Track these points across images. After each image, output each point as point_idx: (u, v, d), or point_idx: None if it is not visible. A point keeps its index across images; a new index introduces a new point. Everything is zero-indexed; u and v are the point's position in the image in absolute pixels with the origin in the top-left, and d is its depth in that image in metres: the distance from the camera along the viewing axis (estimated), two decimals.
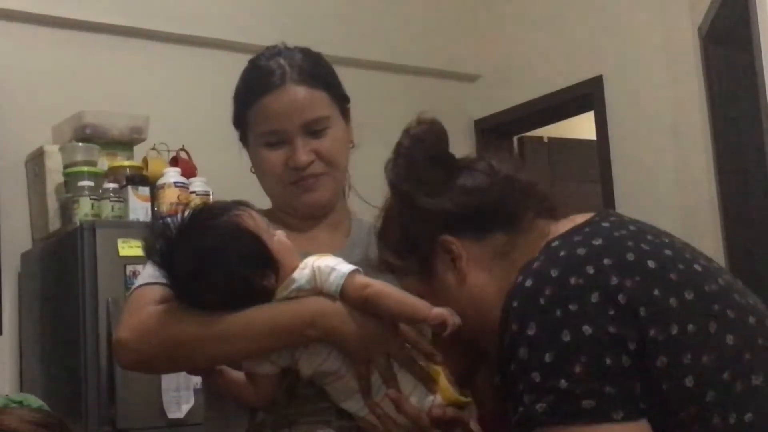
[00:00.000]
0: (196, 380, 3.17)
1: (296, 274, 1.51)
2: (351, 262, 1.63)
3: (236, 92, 1.78)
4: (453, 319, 1.46)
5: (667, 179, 4.19)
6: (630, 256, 1.23)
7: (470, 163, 1.46)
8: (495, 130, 4.89)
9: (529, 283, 1.22)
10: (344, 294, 1.49)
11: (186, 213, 1.54)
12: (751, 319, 1.24)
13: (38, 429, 1.49)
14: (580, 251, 1.23)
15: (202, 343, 1.52)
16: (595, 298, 1.18)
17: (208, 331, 1.50)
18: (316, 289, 1.50)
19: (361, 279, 1.50)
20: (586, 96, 4.56)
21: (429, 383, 1.49)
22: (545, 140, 5.35)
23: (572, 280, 1.20)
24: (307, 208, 1.74)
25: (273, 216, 1.76)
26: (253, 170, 1.79)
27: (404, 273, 1.47)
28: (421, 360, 1.51)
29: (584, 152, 5.07)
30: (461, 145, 5.40)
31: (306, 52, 1.78)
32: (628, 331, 1.17)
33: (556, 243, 1.29)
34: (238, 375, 1.56)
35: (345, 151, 1.77)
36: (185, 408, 3.21)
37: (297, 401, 1.56)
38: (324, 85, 1.73)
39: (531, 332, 1.18)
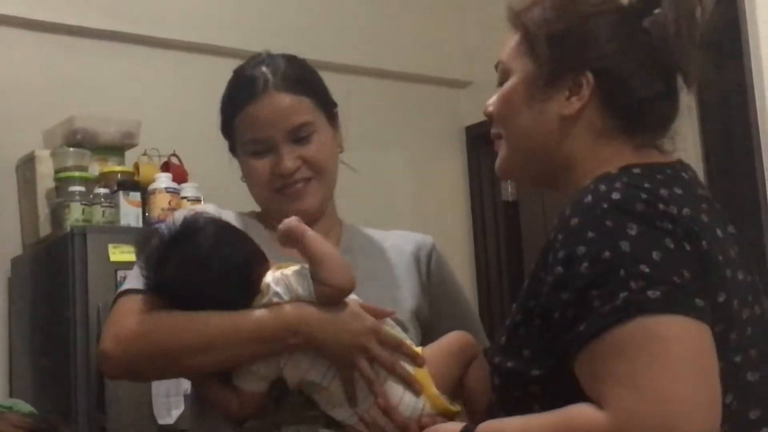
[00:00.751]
0: (186, 386, 3.16)
1: (273, 284, 1.52)
2: None
3: (222, 102, 1.79)
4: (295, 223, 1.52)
5: None
6: (704, 217, 1.26)
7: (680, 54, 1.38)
8: (486, 137, 4.87)
9: (616, 195, 1.22)
10: (319, 298, 1.51)
11: (170, 224, 1.55)
12: None
13: None
14: (663, 192, 1.24)
15: (186, 352, 1.53)
16: (682, 229, 1.20)
17: (192, 339, 1.51)
18: (293, 297, 1.51)
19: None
20: None
21: (413, 385, 1.49)
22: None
23: (660, 206, 1.21)
24: (295, 215, 1.74)
25: (264, 220, 1.77)
26: (244, 179, 1.80)
27: (523, 52, 1.41)
28: (406, 364, 1.52)
29: None
30: (452, 151, 5.36)
31: (289, 59, 1.78)
32: (703, 272, 1.20)
33: (638, 170, 1.29)
34: (225, 387, 1.57)
35: (333, 156, 1.78)
36: (175, 414, 3.20)
37: (285, 409, 1.56)
38: (308, 91, 1.74)
39: (632, 232, 1.18)
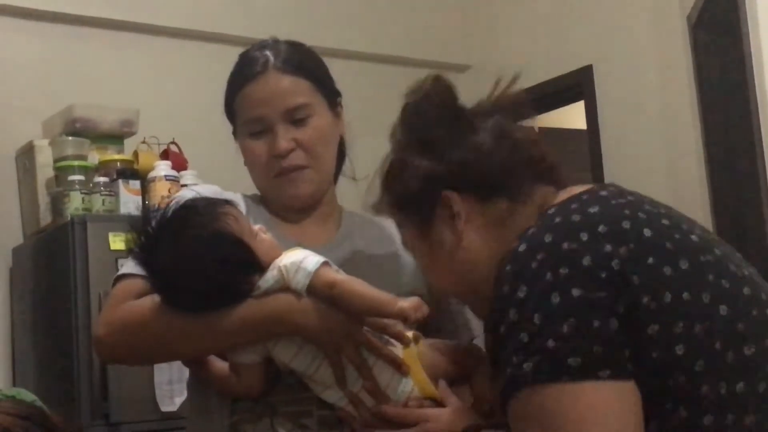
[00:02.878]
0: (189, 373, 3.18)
1: (265, 276, 1.52)
2: (339, 256, 1.64)
3: (227, 84, 1.79)
4: (416, 314, 1.47)
5: (657, 167, 4.20)
6: (626, 224, 1.23)
7: (481, 118, 1.43)
8: None
9: (523, 248, 1.22)
10: (312, 291, 1.50)
11: (168, 209, 1.54)
12: (746, 290, 1.25)
13: (17, 421, 1.51)
14: (575, 218, 1.24)
15: (174, 341, 1.56)
16: (587, 261, 1.18)
17: (179, 329, 1.54)
18: (284, 286, 1.51)
19: (327, 276, 1.51)
20: (576, 86, 4.57)
21: (401, 367, 1.51)
22: (536, 130, 5.34)
23: (565, 245, 1.20)
24: (291, 201, 1.75)
25: (267, 205, 1.78)
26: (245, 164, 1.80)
27: (402, 224, 1.47)
28: (393, 345, 1.52)
29: (575, 141, 5.09)
30: None
31: (293, 45, 1.80)
32: (618, 296, 1.17)
33: (552, 210, 1.29)
34: (223, 365, 1.58)
35: (330, 142, 1.78)
36: (178, 401, 3.21)
37: (280, 389, 1.57)
38: (308, 75, 1.74)
39: (521, 294, 1.18)
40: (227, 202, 1.58)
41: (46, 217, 3.58)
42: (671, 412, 1.17)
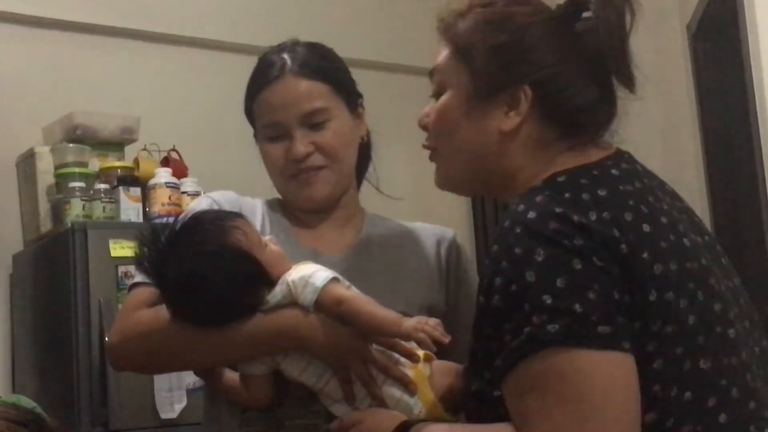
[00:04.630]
0: (189, 380, 3.18)
1: (274, 291, 1.52)
2: (355, 265, 1.63)
3: (246, 87, 1.79)
4: (419, 334, 1.46)
5: None
6: (628, 216, 1.23)
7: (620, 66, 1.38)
8: None
9: (532, 215, 1.21)
10: (319, 306, 1.49)
11: (176, 223, 1.54)
12: (717, 306, 1.26)
13: (13, 426, 1.51)
14: (585, 197, 1.23)
15: (182, 353, 1.56)
16: (598, 238, 1.19)
17: (187, 342, 1.54)
18: (292, 302, 1.51)
19: (335, 293, 1.49)
20: None
21: (408, 385, 1.49)
22: None
23: (576, 218, 1.19)
24: (306, 203, 1.74)
25: (286, 209, 1.78)
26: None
27: (461, 64, 1.39)
28: (403, 364, 1.51)
29: None
30: None
31: (312, 46, 1.78)
32: (624, 279, 1.18)
33: (562, 179, 1.28)
34: (234, 376, 1.58)
35: (349, 145, 1.76)
36: (178, 408, 3.21)
37: (289, 402, 1.57)
38: (325, 78, 1.73)
39: (539, 258, 1.17)
40: (236, 215, 1.58)
41: (46, 224, 3.58)
42: None
